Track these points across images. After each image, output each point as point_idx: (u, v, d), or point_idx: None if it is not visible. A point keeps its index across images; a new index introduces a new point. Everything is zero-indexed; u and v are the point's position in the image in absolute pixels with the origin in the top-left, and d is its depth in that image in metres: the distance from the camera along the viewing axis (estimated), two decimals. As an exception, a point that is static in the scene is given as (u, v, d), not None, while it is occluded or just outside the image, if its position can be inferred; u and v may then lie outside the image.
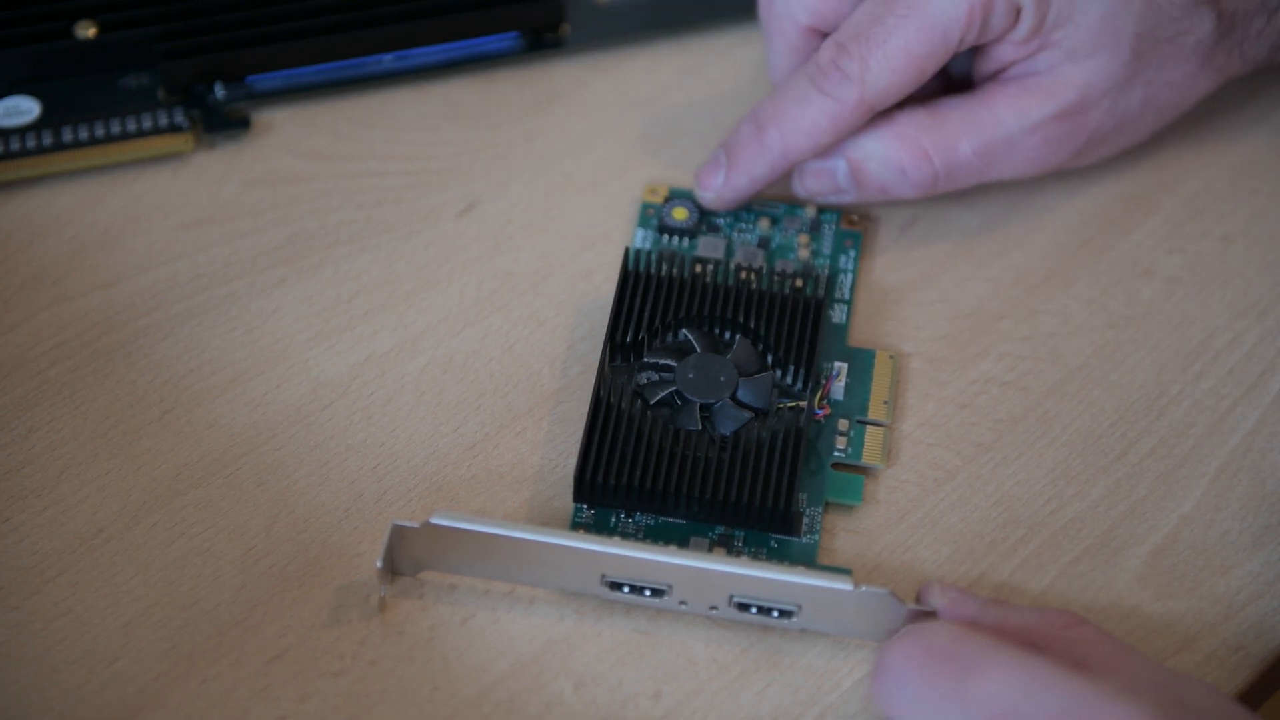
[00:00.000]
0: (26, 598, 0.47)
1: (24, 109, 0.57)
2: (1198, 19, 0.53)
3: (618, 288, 0.52)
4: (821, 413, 0.51)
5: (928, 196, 0.55)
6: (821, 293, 0.52)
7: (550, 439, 0.51)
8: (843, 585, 0.46)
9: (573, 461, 0.50)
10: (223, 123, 0.58)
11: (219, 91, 0.58)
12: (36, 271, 0.54)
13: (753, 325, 0.52)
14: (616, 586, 0.47)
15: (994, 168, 0.54)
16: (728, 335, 0.52)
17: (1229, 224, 0.57)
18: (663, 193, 0.57)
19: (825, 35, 0.54)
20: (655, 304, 0.52)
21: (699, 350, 0.51)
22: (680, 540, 0.49)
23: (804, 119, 0.53)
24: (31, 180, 0.56)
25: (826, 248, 0.55)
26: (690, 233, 0.55)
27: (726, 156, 0.54)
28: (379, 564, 0.46)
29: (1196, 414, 0.52)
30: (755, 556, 0.49)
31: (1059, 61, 0.53)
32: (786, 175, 0.55)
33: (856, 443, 0.51)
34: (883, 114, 0.53)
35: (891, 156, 0.53)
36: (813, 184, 0.55)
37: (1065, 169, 0.56)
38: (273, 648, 0.47)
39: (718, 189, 0.55)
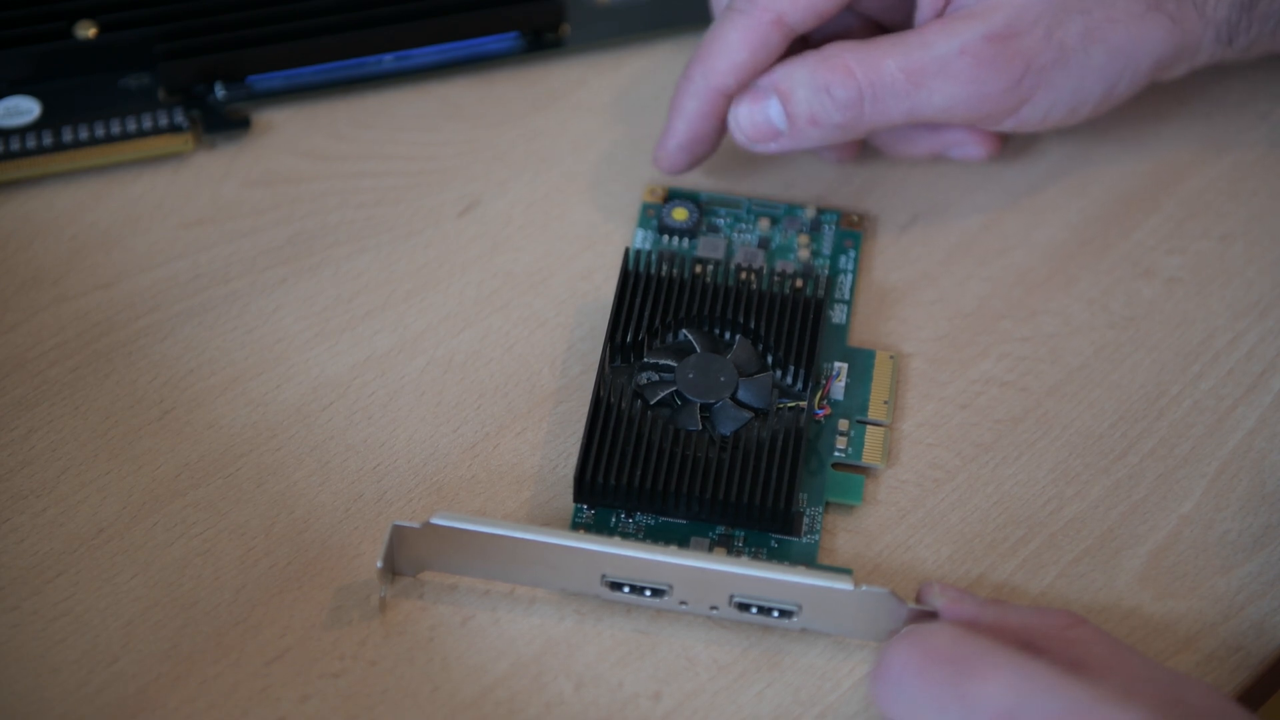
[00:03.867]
0: (26, 598, 0.47)
1: (24, 109, 0.57)
2: None
3: (618, 288, 0.52)
4: (821, 413, 0.51)
5: (860, 126, 0.53)
6: (821, 293, 0.52)
7: (550, 439, 0.51)
8: (843, 585, 0.46)
9: (573, 461, 0.50)
10: (223, 123, 0.58)
11: (219, 91, 0.58)
12: (36, 271, 0.54)
13: (753, 325, 0.52)
14: (617, 586, 0.47)
15: (924, 89, 0.52)
16: (728, 335, 0.52)
17: (1229, 224, 0.57)
18: (662, 193, 0.57)
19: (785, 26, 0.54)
20: (655, 304, 0.52)
21: (699, 350, 0.51)
22: (680, 540, 0.49)
23: (718, 40, 0.53)
24: (31, 180, 0.56)
25: (826, 248, 0.55)
26: (690, 233, 0.55)
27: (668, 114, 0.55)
28: (379, 564, 0.46)
29: (1196, 414, 0.52)
30: (755, 556, 0.49)
31: None
32: (771, 171, 0.55)
33: (856, 443, 0.51)
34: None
35: (816, 78, 0.52)
36: (748, 126, 0.54)
37: (1015, 109, 0.53)
38: (273, 648, 0.47)
39: (661, 146, 0.55)
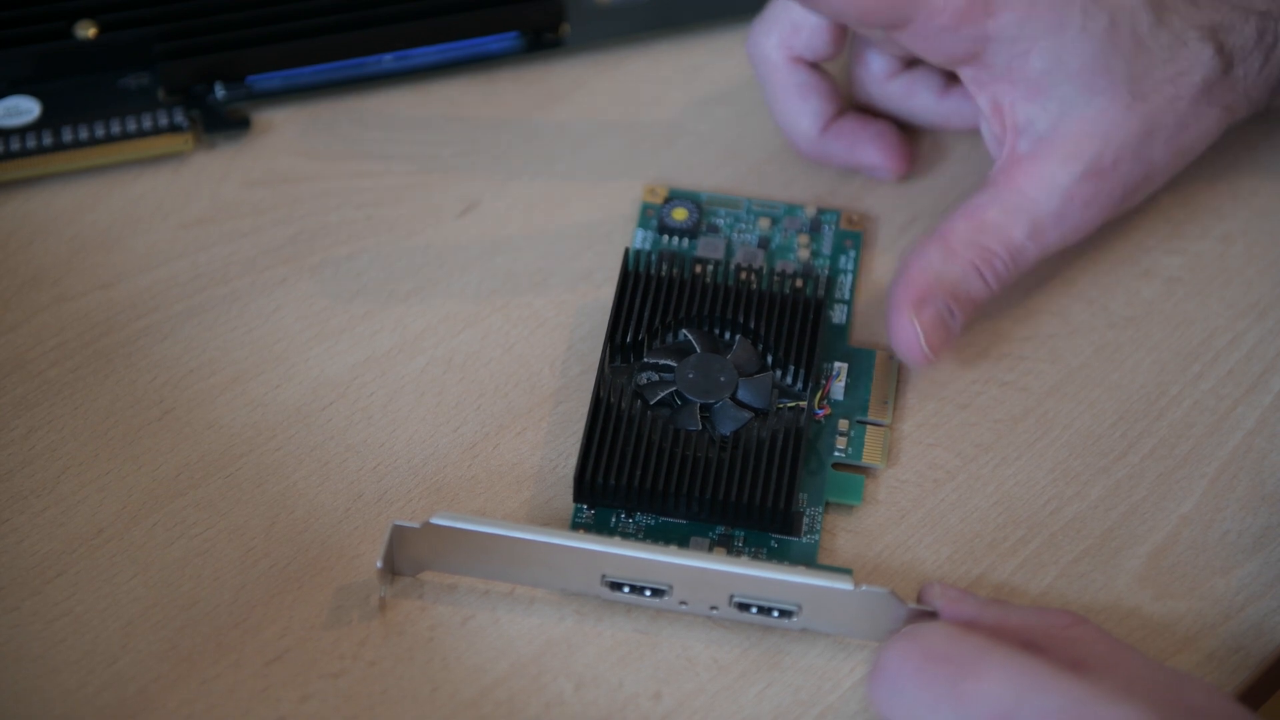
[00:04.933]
0: (26, 598, 0.47)
1: (24, 109, 0.57)
2: (1194, 55, 0.52)
3: (618, 288, 0.52)
4: (821, 413, 0.51)
5: (1000, 291, 0.52)
6: (821, 293, 0.52)
7: (550, 439, 0.51)
8: (843, 585, 0.46)
9: (573, 461, 0.50)
10: (223, 123, 0.58)
11: (219, 91, 0.58)
12: (36, 271, 0.54)
13: (753, 325, 0.52)
14: (617, 586, 0.47)
15: (1048, 241, 0.52)
16: (728, 335, 0.52)
17: (1229, 224, 0.56)
18: (662, 193, 0.57)
19: (809, 62, 0.55)
20: (655, 304, 0.52)
21: (699, 350, 0.51)
22: (680, 540, 0.49)
23: (779, 106, 0.57)
24: (31, 180, 0.56)
25: (826, 248, 0.55)
26: (690, 233, 0.55)
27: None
28: (379, 564, 0.46)
29: (1196, 414, 0.52)
30: (755, 556, 0.49)
31: (1059, 116, 0.52)
32: (771, 171, 0.55)
33: (856, 443, 0.51)
34: (931, 238, 0.52)
35: (964, 268, 0.52)
36: (934, 336, 0.51)
37: (1104, 223, 0.54)
38: (273, 648, 0.47)
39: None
